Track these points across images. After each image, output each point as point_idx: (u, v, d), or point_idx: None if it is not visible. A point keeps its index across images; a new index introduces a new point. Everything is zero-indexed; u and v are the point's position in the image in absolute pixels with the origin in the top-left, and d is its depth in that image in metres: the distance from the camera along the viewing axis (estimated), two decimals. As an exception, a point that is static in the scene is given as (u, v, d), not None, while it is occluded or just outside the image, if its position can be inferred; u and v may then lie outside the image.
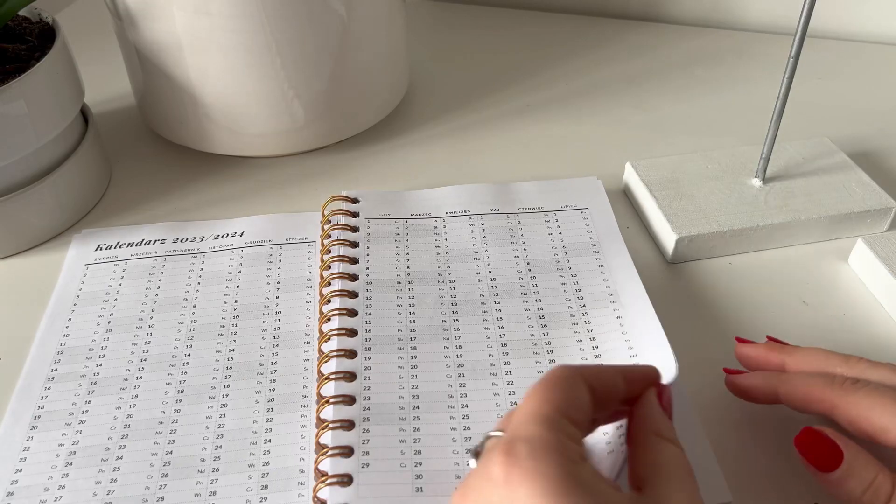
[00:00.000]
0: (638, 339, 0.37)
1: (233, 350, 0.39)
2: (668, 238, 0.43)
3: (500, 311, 0.40)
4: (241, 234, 0.46)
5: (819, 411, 0.31)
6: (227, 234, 0.46)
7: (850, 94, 0.59)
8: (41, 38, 0.46)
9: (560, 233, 0.44)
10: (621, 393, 0.28)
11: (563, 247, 0.43)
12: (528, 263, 0.42)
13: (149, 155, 0.54)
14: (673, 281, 0.43)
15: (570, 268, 0.42)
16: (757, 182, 0.46)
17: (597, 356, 0.37)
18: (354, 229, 0.44)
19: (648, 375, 0.29)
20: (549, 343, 0.38)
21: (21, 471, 0.34)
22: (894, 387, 0.30)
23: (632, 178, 0.48)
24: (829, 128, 0.54)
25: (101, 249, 0.45)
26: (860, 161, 0.49)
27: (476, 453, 0.27)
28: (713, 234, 0.43)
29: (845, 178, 0.47)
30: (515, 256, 0.43)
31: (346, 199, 0.46)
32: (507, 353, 0.38)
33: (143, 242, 0.45)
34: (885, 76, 0.62)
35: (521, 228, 0.45)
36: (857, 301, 0.41)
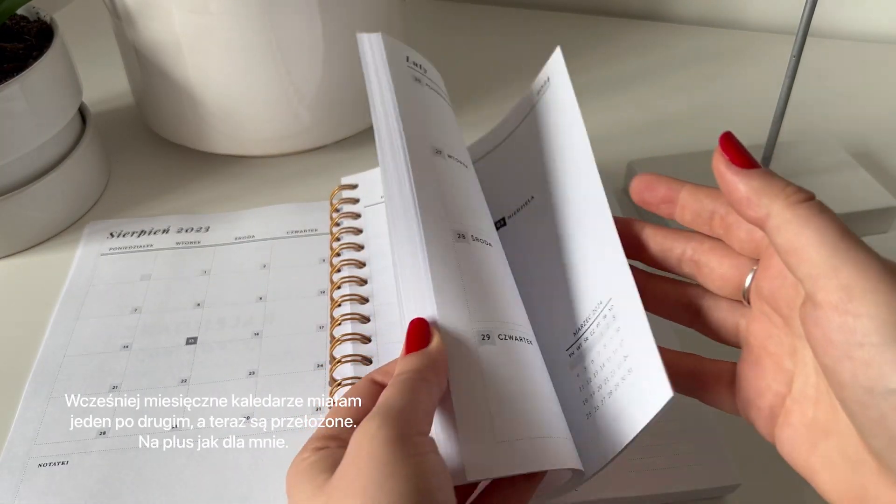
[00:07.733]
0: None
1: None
2: (669, 238, 0.43)
3: None
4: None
5: (751, 215, 0.26)
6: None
7: (852, 93, 0.59)
8: (39, 37, 0.46)
9: None
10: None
11: None
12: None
13: (147, 154, 0.54)
14: (674, 281, 0.42)
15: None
16: (758, 181, 0.46)
17: None
18: (357, 216, 0.44)
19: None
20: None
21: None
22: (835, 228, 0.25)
23: (632, 177, 0.48)
24: (830, 127, 0.53)
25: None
26: (862, 160, 0.49)
27: None
28: (714, 233, 0.43)
29: (847, 178, 0.46)
30: None
31: (349, 186, 0.45)
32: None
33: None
34: (886, 76, 0.61)
35: None
36: (859, 301, 0.41)
